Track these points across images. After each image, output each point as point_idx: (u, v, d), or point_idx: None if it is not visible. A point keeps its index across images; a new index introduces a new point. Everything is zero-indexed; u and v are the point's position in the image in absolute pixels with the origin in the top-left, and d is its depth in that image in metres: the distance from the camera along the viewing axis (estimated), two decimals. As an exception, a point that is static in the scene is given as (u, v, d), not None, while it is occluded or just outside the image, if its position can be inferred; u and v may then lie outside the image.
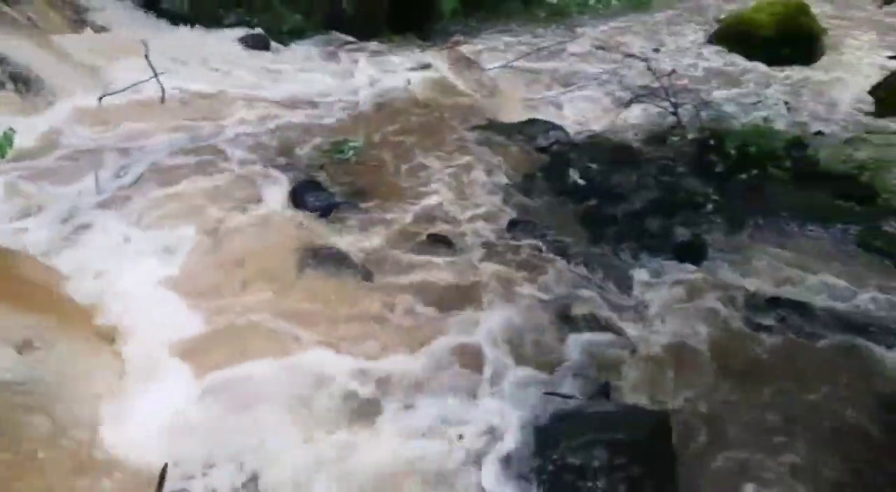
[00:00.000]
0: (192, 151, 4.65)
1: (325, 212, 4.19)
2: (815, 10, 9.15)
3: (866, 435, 2.92)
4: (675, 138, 5.77)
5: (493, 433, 2.81)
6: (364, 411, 2.87)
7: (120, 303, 3.21)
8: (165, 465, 2.56)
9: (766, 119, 6.00)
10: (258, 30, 7.70)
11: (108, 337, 3.05)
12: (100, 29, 6.94)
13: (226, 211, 4.00)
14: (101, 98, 5.24)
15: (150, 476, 2.50)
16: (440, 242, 4.03)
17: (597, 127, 6.16)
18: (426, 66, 6.92)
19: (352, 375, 3.00)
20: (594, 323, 3.49)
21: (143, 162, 4.47)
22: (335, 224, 4.12)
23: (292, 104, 5.85)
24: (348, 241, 3.95)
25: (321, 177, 4.58)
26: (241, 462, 2.59)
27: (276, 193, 4.30)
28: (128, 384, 2.84)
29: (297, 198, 4.27)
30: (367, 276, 3.67)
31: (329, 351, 3.11)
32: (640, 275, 3.98)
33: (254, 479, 2.56)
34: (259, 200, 4.20)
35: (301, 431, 2.74)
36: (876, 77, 7.54)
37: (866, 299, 3.83)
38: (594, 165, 5.23)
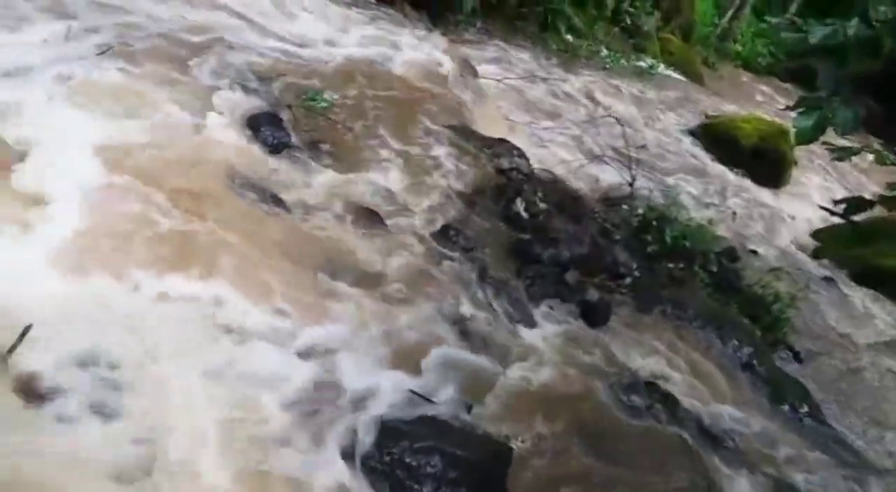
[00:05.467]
0: (171, 41, 4.58)
1: (276, 149, 4.19)
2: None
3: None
4: (624, 208, 5.93)
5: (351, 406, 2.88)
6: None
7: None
8: (29, 325, 2.54)
9: (710, 221, 6.22)
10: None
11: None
12: None
13: (178, 111, 3.96)
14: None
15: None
16: (372, 218, 4.07)
17: (559, 169, 6.29)
18: (427, 52, 6.92)
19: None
20: (480, 345, 3.59)
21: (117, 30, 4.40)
22: (280, 164, 4.12)
23: (283, 37, 5.80)
24: (284, 183, 3.96)
25: (285, 115, 4.56)
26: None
27: (235, 113, 4.27)
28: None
29: (253, 125, 4.25)
30: (287, 219, 3.71)
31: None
32: (540, 317, 4.10)
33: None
34: (215, 113, 4.16)
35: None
36: (823, 221, 7.90)
37: (730, 415, 4.04)
38: (542, 204, 5.34)
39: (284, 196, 3.88)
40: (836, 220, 7.07)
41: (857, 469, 3.87)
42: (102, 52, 4.21)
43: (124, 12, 4.86)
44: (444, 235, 4.33)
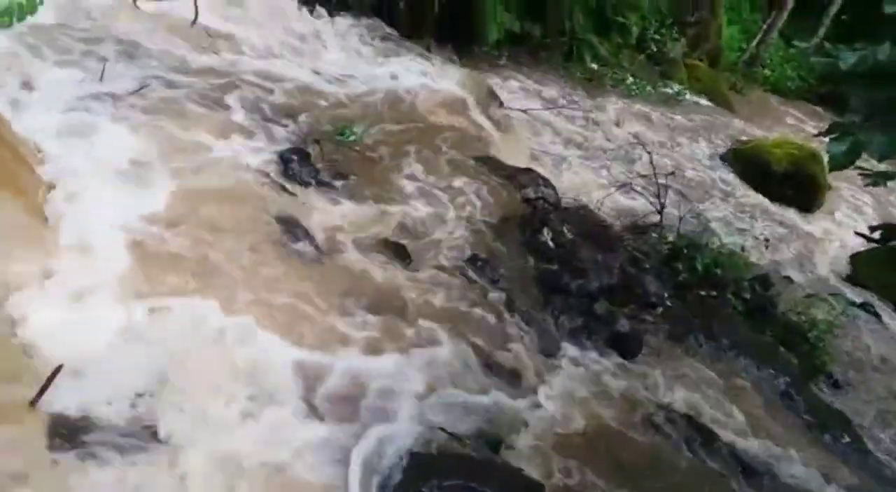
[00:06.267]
0: (203, 82, 4.67)
1: (305, 183, 4.23)
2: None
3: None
4: (654, 236, 5.87)
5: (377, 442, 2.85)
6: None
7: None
8: (60, 366, 2.55)
9: (743, 248, 6.13)
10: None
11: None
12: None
13: (208, 147, 4.02)
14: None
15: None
16: (399, 251, 4.07)
17: (585, 198, 6.26)
18: (451, 84, 6.96)
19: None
20: (509, 379, 3.55)
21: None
22: (309, 197, 4.15)
23: (311, 74, 5.87)
24: (314, 217, 3.99)
25: (313, 150, 4.60)
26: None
27: (265, 151, 4.32)
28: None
29: (283, 160, 4.30)
30: (318, 257, 3.71)
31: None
32: (570, 349, 4.04)
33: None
34: (244, 149, 4.22)
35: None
36: (859, 245, 7.74)
37: (769, 447, 3.93)
38: (569, 234, 5.30)
39: (312, 229, 3.90)
40: (873, 245, 6.94)
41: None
42: (136, 91, 4.31)
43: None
44: (471, 266, 4.30)
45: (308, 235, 3.80)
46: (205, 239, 3.43)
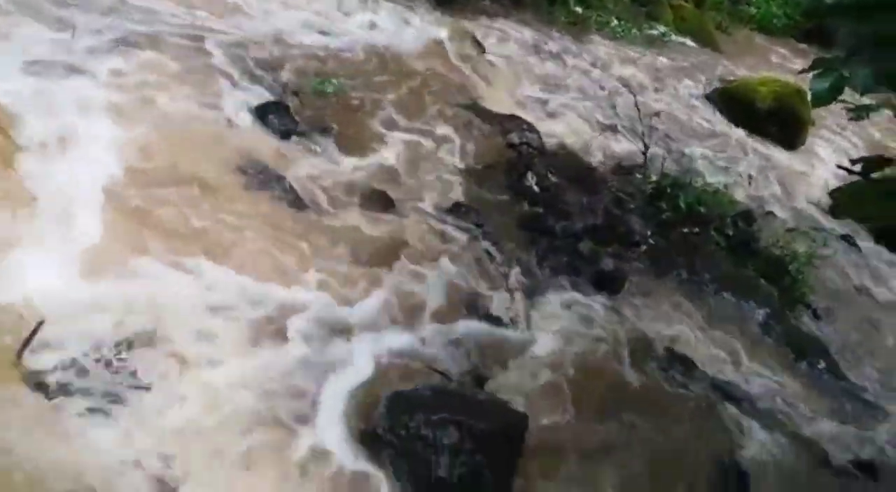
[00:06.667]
0: (180, 37, 4.66)
1: (284, 135, 4.26)
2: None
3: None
4: (638, 176, 5.92)
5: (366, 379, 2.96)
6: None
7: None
8: (41, 321, 2.62)
9: (726, 186, 6.18)
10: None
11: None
12: None
13: (187, 102, 4.04)
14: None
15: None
16: (381, 199, 4.13)
17: (569, 141, 6.28)
18: (433, 32, 6.93)
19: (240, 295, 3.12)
20: (494, 318, 3.64)
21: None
22: (289, 149, 4.19)
23: (289, 25, 5.84)
24: (294, 168, 4.03)
25: (292, 103, 4.62)
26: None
27: (242, 103, 4.34)
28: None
29: (262, 113, 4.32)
30: (299, 206, 3.76)
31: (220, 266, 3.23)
32: (554, 288, 4.13)
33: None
34: (223, 103, 4.24)
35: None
36: (841, 180, 7.80)
37: (748, 375, 4.06)
38: (553, 177, 5.36)
39: (292, 179, 3.94)
40: (855, 179, 6.98)
41: (871, 420, 3.90)
42: (116, 47, 4.30)
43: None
44: (455, 211, 4.37)
45: (288, 186, 3.84)
46: (181, 191, 3.46)
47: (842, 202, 7.13)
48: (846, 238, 6.37)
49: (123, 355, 2.66)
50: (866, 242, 6.45)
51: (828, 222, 6.84)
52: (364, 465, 2.68)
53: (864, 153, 8.80)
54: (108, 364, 2.62)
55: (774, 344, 4.42)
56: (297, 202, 3.79)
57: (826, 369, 4.32)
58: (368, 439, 2.74)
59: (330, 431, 2.74)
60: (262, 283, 3.24)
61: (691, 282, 4.73)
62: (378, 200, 4.12)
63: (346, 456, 2.68)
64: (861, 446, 3.67)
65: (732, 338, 4.34)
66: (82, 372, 2.57)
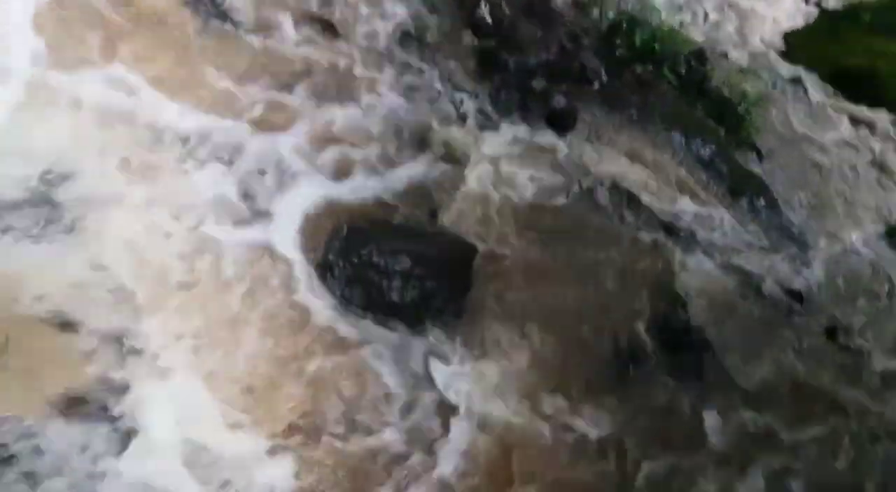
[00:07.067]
0: None
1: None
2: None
3: (633, 311, 3.31)
4: (595, 10, 5.76)
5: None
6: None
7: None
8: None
9: (682, 24, 6.07)
10: None
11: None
12: None
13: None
14: None
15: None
16: (325, 26, 3.94)
17: (526, -28, 6.03)
18: None
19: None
20: (444, 153, 3.63)
21: None
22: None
23: None
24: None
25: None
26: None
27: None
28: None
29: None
30: (235, 33, 3.60)
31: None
32: (506, 124, 4.10)
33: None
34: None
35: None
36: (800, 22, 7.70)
37: (690, 210, 4.18)
38: (507, 9, 5.18)
39: (228, 4, 3.73)
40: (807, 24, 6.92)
41: (803, 254, 4.10)
42: None
43: None
44: (404, 42, 4.22)
45: (224, 10, 3.63)
46: (123, 17, 3.28)
47: (796, 44, 7.07)
48: (796, 81, 6.39)
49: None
50: (815, 85, 6.49)
51: (781, 65, 6.82)
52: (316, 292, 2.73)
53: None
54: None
55: (718, 181, 4.52)
56: (232, 28, 3.60)
57: (764, 206, 4.46)
58: (320, 268, 2.78)
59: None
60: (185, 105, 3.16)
61: (642, 120, 4.74)
62: (321, 28, 3.93)
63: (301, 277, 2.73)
64: (792, 277, 3.87)
65: (678, 175, 4.42)
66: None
